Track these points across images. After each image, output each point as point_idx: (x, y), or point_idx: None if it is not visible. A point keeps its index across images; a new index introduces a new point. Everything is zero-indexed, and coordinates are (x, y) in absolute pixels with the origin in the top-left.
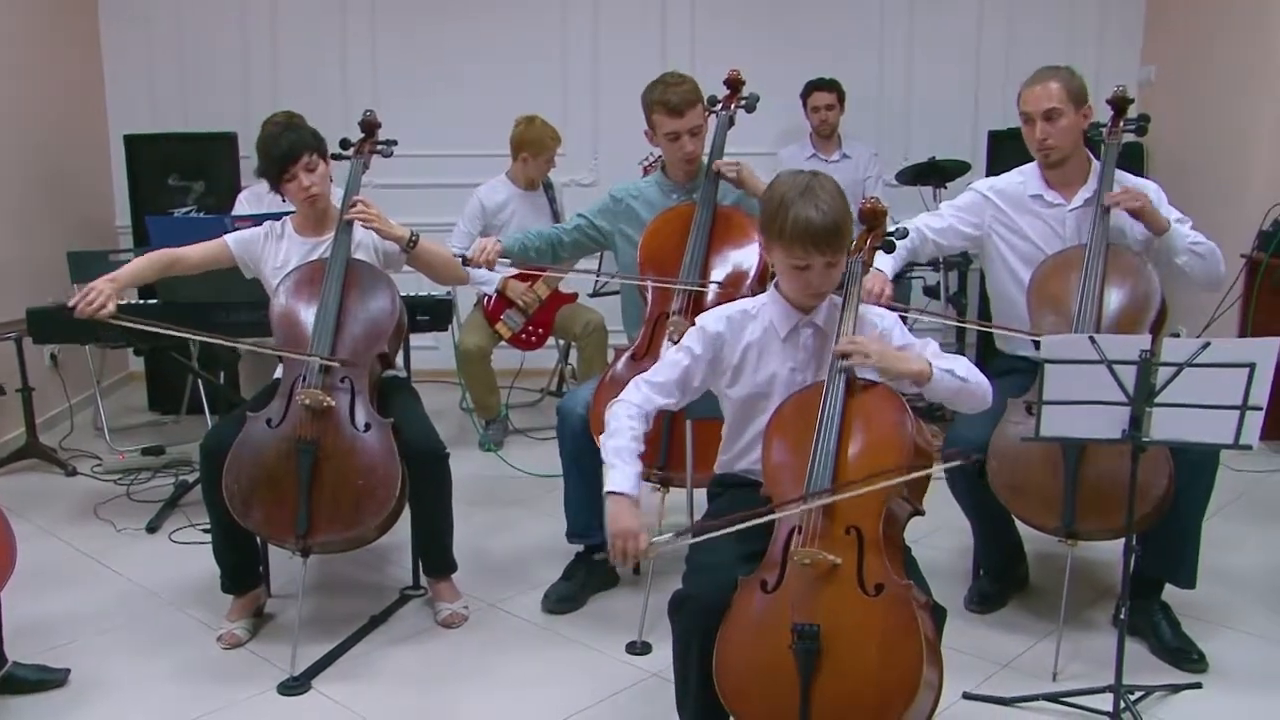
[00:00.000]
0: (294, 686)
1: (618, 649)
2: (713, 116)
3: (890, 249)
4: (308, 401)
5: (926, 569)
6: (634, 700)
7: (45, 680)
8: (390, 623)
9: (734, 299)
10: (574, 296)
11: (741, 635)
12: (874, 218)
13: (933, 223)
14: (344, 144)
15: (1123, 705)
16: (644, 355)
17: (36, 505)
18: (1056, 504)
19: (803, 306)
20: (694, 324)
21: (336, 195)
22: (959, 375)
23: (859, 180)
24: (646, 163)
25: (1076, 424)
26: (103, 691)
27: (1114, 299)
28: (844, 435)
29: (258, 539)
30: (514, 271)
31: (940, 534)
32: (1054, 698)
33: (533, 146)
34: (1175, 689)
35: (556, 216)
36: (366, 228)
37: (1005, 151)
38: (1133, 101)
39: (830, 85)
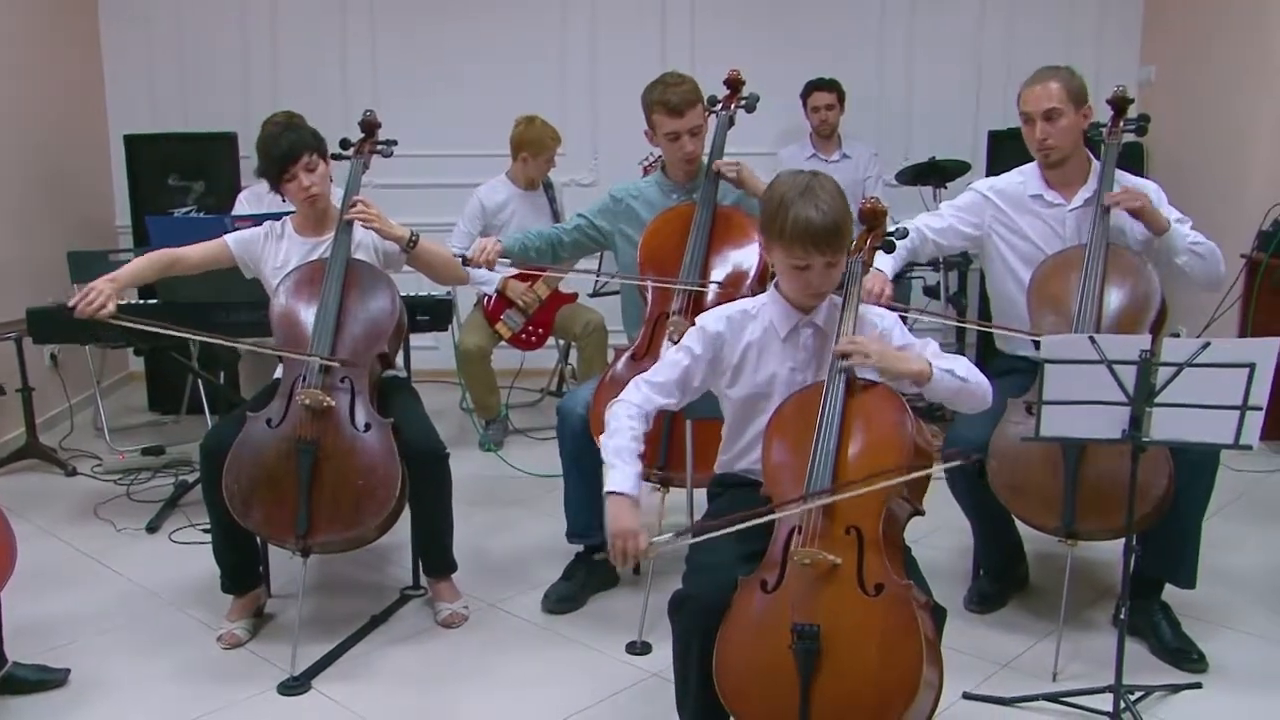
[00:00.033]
0: (294, 686)
1: (618, 649)
2: (713, 116)
3: (890, 249)
4: (308, 401)
5: (926, 569)
6: (634, 700)
7: (45, 680)
8: (390, 623)
9: (734, 299)
10: (574, 296)
11: (741, 635)
12: (874, 218)
13: (933, 223)
14: (344, 144)
15: (1122, 705)
16: (644, 355)
17: (36, 505)
18: (1056, 504)
19: (803, 306)
20: (694, 324)
21: (336, 195)
22: (959, 375)
23: (859, 180)
24: (646, 163)
25: (1076, 424)
26: (103, 692)
27: (1114, 299)
28: (844, 435)
29: (258, 539)
30: (514, 271)
31: (940, 534)
32: (1054, 698)
33: (532, 146)
34: (1175, 689)
35: (556, 216)
36: (366, 228)
37: (1005, 151)
38: (1132, 101)
39: (830, 85)
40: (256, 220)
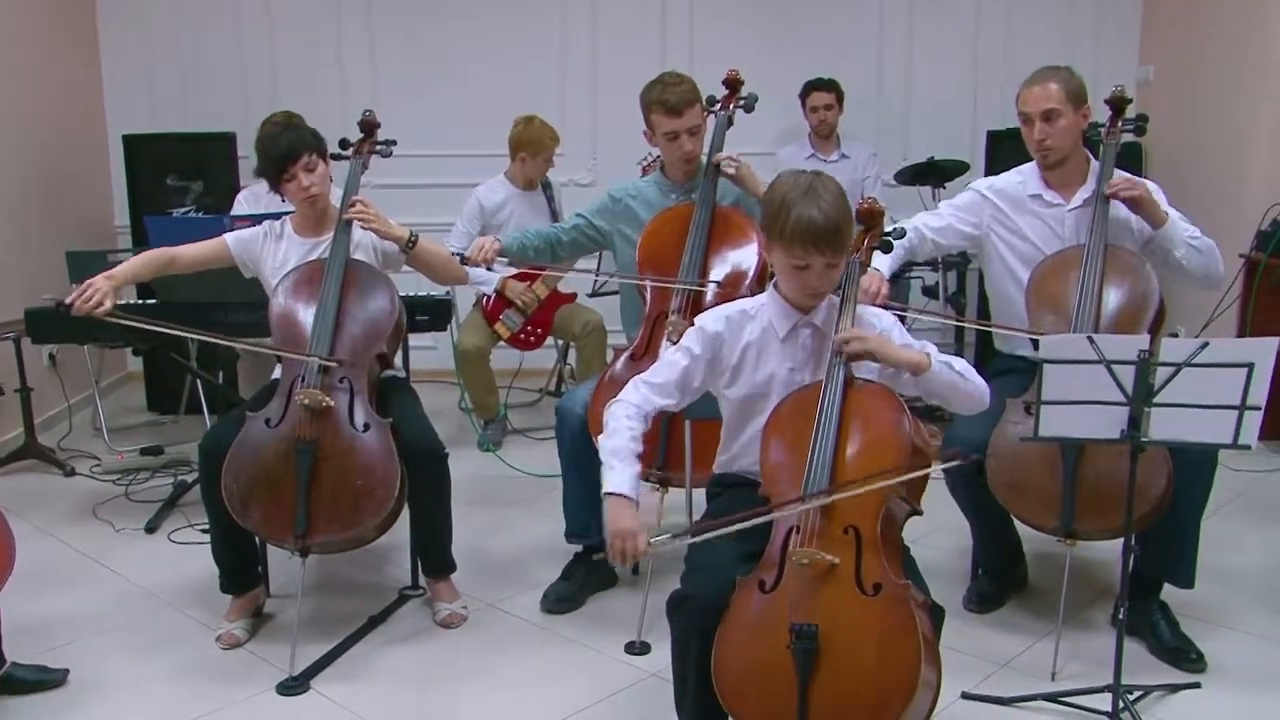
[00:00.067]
0: (293, 687)
1: (616, 649)
2: (711, 116)
3: (888, 249)
4: (307, 401)
5: (925, 569)
6: (632, 700)
7: (44, 680)
8: (389, 623)
9: (733, 299)
10: (573, 296)
11: (740, 635)
12: (871, 218)
13: (931, 222)
14: (343, 144)
15: (1121, 705)
16: (643, 355)
17: (35, 505)
18: (1055, 504)
19: (801, 306)
20: (693, 324)
21: (335, 195)
22: (956, 370)
23: (858, 180)
24: (645, 162)
25: (1075, 424)
26: (101, 692)
27: (1112, 298)
28: (842, 435)
29: (256, 539)
30: (513, 271)
31: (939, 534)
32: (1053, 697)
33: (531, 146)
34: (1174, 689)
35: (555, 216)
36: (365, 228)
37: (1004, 151)
38: (1131, 101)
39: (829, 85)
40: (255, 220)
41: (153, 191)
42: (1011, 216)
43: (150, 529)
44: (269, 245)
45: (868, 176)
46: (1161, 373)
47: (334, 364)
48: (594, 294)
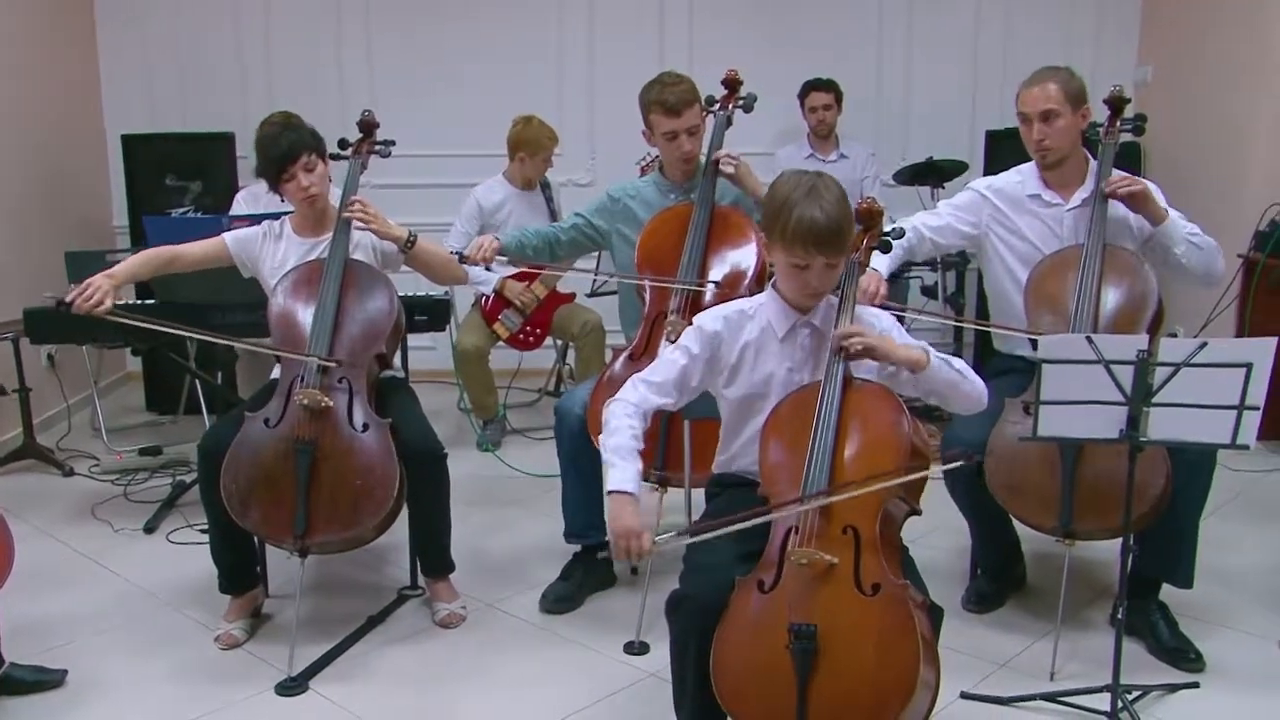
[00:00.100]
0: (292, 687)
1: (615, 649)
2: (710, 116)
3: (887, 249)
4: (306, 401)
5: (924, 569)
6: (631, 700)
7: (43, 681)
8: (388, 623)
9: (731, 299)
10: (572, 296)
11: (738, 635)
12: (870, 218)
13: (930, 221)
14: (342, 144)
15: (1120, 705)
16: (642, 355)
17: (34, 506)
18: (1054, 504)
19: (800, 306)
20: (691, 324)
21: (334, 195)
22: (955, 368)
23: (856, 180)
24: (643, 162)
25: (1074, 424)
26: (100, 692)
27: (1111, 298)
28: (841, 435)
29: (255, 539)
30: (512, 271)
31: (938, 534)
32: (1051, 697)
33: (529, 146)
34: (1173, 688)
35: (554, 216)
36: (364, 228)
37: (1003, 151)
38: (1129, 101)
39: (828, 85)
40: (254, 220)
41: (151, 191)
42: (1010, 216)
43: (149, 529)
44: (268, 245)
45: (866, 176)
46: (1160, 373)
47: (333, 364)
48: (593, 294)
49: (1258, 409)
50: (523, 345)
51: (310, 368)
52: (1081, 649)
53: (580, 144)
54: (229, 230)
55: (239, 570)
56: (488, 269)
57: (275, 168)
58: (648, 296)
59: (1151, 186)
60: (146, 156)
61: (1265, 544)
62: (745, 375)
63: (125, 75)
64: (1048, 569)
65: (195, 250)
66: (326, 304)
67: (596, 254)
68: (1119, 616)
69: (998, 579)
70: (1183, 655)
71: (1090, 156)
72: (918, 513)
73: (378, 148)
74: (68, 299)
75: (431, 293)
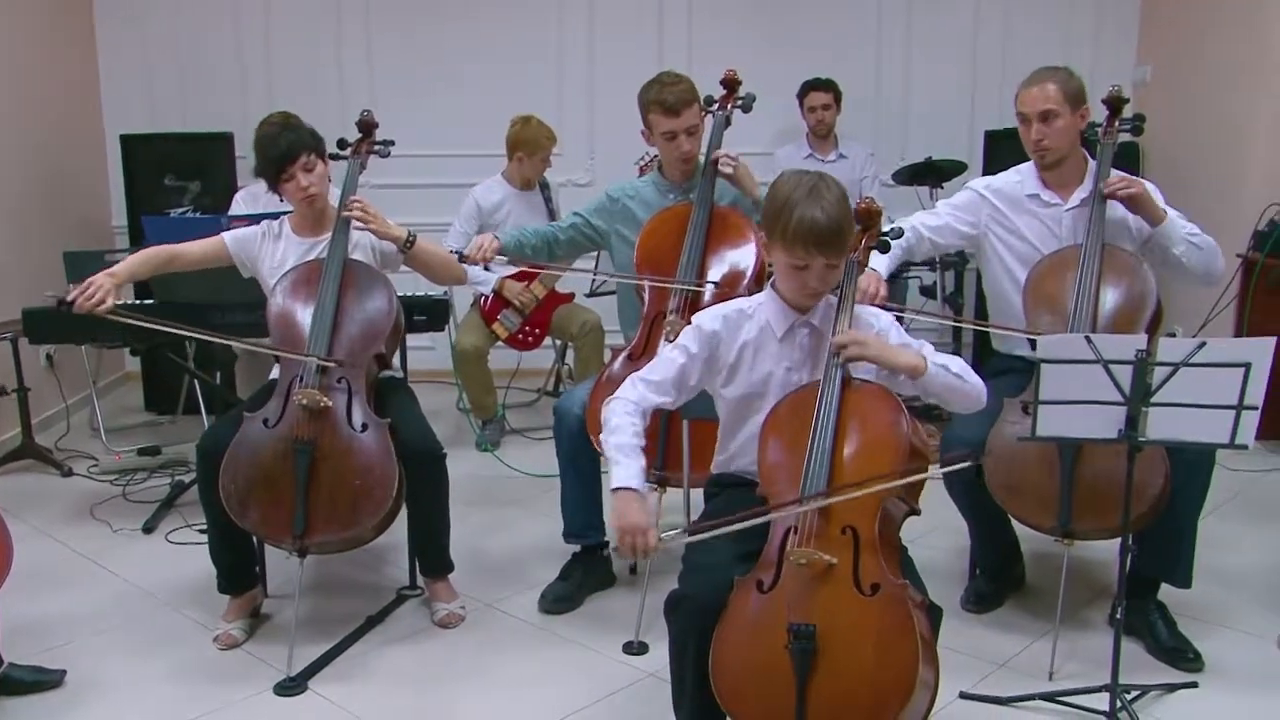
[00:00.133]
0: (290, 687)
1: (614, 649)
2: (709, 116)
3: (885, 249)
4: (305, 402)
5: (923, 568)
6: (630, 700)
7: (41, 681)
8: (387, 623)
9: (730, 299)
10: (571, 296)
11: (737, 635)
12: (869, 218)
13: (929, 221)
14: (341, 144)
15: (1119, 704)
16: (641, 355)
17: (32, 506)
18: (1053, 504)
19: (799, 306)
20: (690, 323)
21: (334, 195)
22: (953, 371)
23: (855, 180)
24: (642, 162)
25: (1073, 424)
26: (99, 692)
27: (1110, 298)
28: (840, 435)
29: (254, 539)
30: (510, 271)
31: (937, 534)
32: (1050, 697)
33: (528, 146)
34: (1171, 688)
35: (552, 216)
36: (364, 228)
37: (1002, 151)
38: (1128, 101)
39: (827, 85)
40: (253, 220)
41: (150, 191)
42: (1009, 216)
43: (148, 529)
44: (267, 245)
45: (865, 176)
46: (1159, 372)
47: (332, 364)
48: (592, 294)
49: (1256, 409)
50: (522, 345)
51: (309, 368)
52: (1080, 649)
53: (579, 144)
54: (228, 230)
55: (238, 570)
56: (486, 269)
57: (274, 168)
58: (646, 296)
59: (1150, 187)
60: (145, 156)
61: (1264, 544)
62: (743, 375)
63: (124, 75)
64: (1046, 569)
65: (194, 250)
66: (325, 304)
67: (595, 254)
68: (1118, 616)
69: (997, 579)
70: (1181, 655)
71: (1089, 156)
72: (917, 513)
73: (377, 148)
74: (69, 298)
75: (430, 293)
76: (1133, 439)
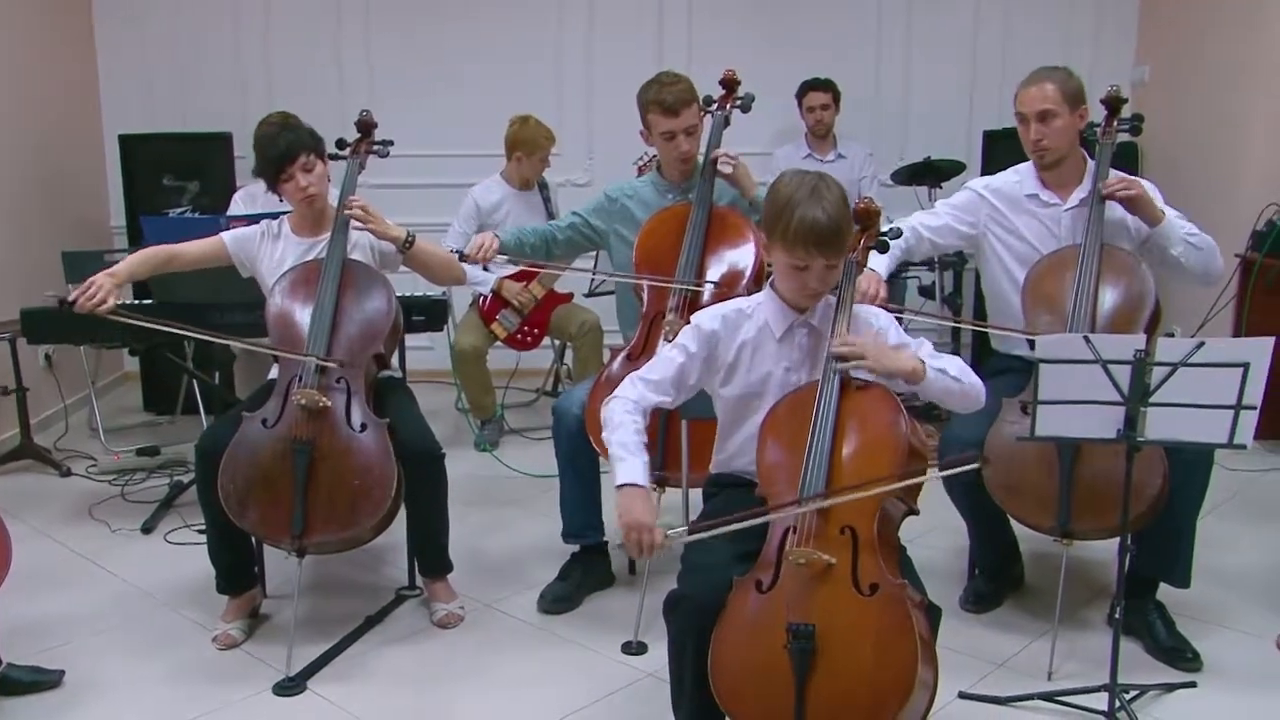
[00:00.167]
0: (289, 687)
1: (613, 649)
2: (708, 116)
3: (884, 249)
4: (303, 402)
5: (922, 568)
6: (629, 700)
7: (40, 681)
8: (386, 623)
9: (729, 299)
10: (569, 296)
11: (736, 635)
12: (867, 218)
13: (928, 221)
14: (340, 144)
15: (1118, 704)
16: (639, 355)
17: (31, 506)
18: (1052, 503)
19: (798, 306)
20: (689, 323)
21: (333, 195)
22: (952, 375)
23: (854, 180)
24: (641, 162)
25: (1071, 423)
26: (97, 693)
27: (1109, 298)
28: (838, 435)
29: (253, 539)
30: (509, 271)
31: (936, 534)
32: (1049, 697)
33: (526, 146)
34: (1170, 688)
35: (551, 216)
36: (363, 228)
37: (1000, 151)
38: (1126, 101)
39: (825, 85)
40: (252, 220)
41: (149, 191)
42: (1008, 216)
43: (146, 529)
44: (266, 244)
45: (864, 176)
46: (1157, 372)
47: (331, 364)
48: (590, 294)
49: (1255, 408)
50: (520, 345)
51: (308, 368)
52: (1079, 648)
53: (578, 144)
54: (227, 230)
55: (237, 570)
56: (485, 269)
57: (274, 168)
58: (645, 296)
59: (1149, 187)
60: (144, 156)
61: (1262, 543)
62: (742, 375)
63: (123, 75)
64: (1045, 569)
65: (194, 249)
66: (324, 304)
67: (594, 254)
68: (1116, 616)
69: (996, 579)
70: (1180, 655)
71: (1088, 156)
72: (915, 512)
73: (376, 148)
74: (70, 298)
75: (429, 293)
76: (1131, 439)
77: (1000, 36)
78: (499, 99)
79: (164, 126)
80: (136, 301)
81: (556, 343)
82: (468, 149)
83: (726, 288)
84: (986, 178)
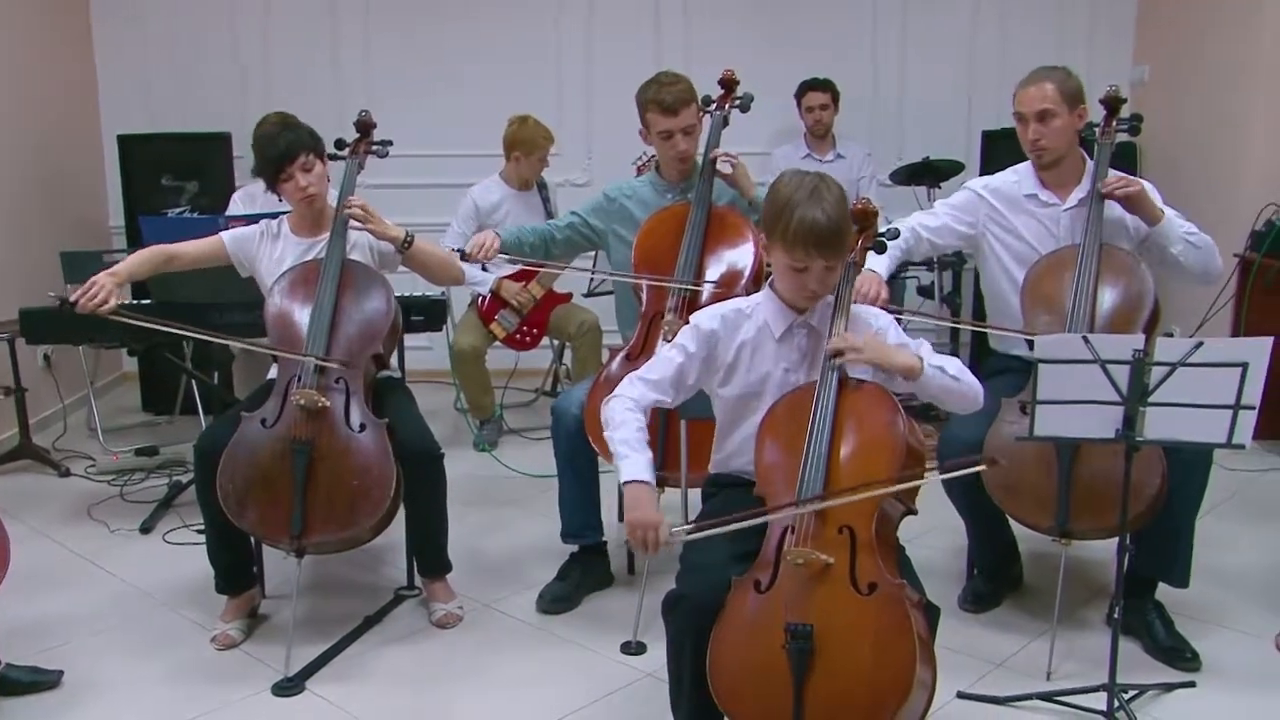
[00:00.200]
0: (288, 687)
1: (612, 649)
2: (707, 116)
3: (882, 249)
4: (303, 402)
5: (921, 568)
6: (628, 700)
7: (39, 682)
8: (385, 623)
9: (728, 298)
10: (568, 296)
11: (735, 635)
12: (865, 218)
13: (928, 221)
14: (339, 144)
15: (1117, 704)
16: (639, 355)
17: (30, 506)
18: (1050, 503)
19: (797, 307)
20: (689, 323)
21: (332, 196)
22: (950, 374)
23: (853, 180)
24: (640, 162)
25: (1070, 423)
26: (96, 693)
27: (1108, 298)
28: (836, 436)
29: (252, 539)
30: (508, 271)
31: (934, 533)
32: (1048, 697)
33: (525, 146)
34: (1169, 688)
35: (550, 216)
36: (362, 228)
37: (999, 151)
38: (1125, 101)
39: (824, 85)
40: (250, 220)
41: (148, 192)
42: (1007, 216)
43: (145, 530)
44: (265, 244)
45: (863, 177)
46: (1156, 372)
47: (330, 364)
48: (589, 294)
49: (1253, 408)
50: (519, 345)
51: (307, 368)
52: (1078, 648)
53: (577, 144)
54: (226, 230)
55: (235, 570)
56: (484, 269)
57: (273, 168)
58: (644, 296)
59: (1148, 186)
60: (143, 156)
61: (1261, 543)
62: (741, 375)
63: (122, 75)
64: (1044, 568)
65: (193, 249)
66: (323, 304)
67: (593, 254)
68: (1115, 616)
69: (994, 578)
70: (1179, 654)
71: (1086, 156)
72: (914, 512)
73: (375, 148)
74: (72, 299)
75: (428, 293)
76: (1130, 439)
77: (998, 37)
78: (498, 99)
79: (163, 126)
80: (136, 301)
81: (555, 343)
82: (467, 149)
83: (725, 288)
84: (985, 178)
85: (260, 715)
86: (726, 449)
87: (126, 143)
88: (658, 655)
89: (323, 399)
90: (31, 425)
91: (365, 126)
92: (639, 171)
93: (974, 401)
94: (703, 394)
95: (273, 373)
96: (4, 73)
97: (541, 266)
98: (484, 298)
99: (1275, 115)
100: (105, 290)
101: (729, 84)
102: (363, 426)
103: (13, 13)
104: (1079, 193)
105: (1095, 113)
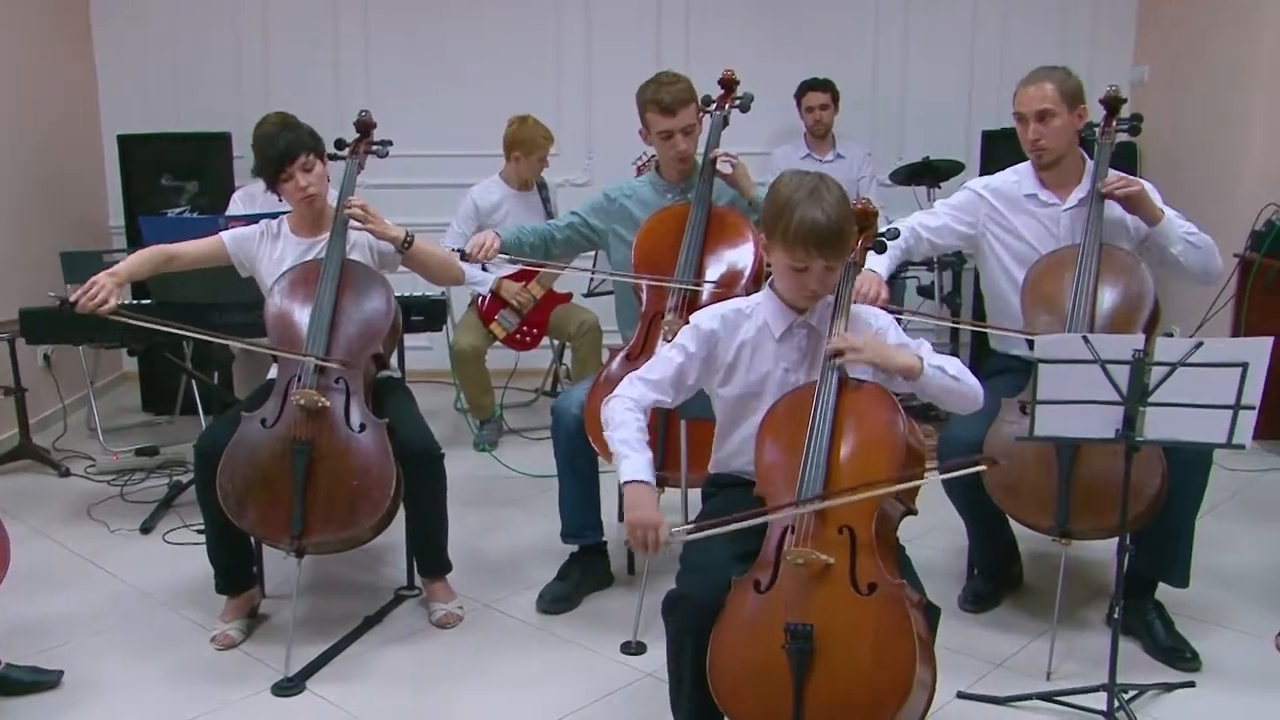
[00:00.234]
0: (288, 687)
1: (612, 649)
2: (707, 116)
3: (881, 250)
4: (302, 402)
5: (921, 568)
6: (628, 700)
7: (39, 682)
8: (385, 623)
9: (728, 298)
10: (568, 296)
11: (735, 635)
12: (864, 219)
13: (928, 221)
14: (339, 144)
15: (1116, 704)
16: (639, 355)
17: (30, 506)
18: (1050, 503)
19: (797, 307)
20: (689, 323)
21: (332, 196)
22: (950, 373)
23: (853, 180)
24: (640, 162)
25: (1070, 423)
26: (96, 693)
27: (1108, 298)
28: (836, 436)
29: (252, 539)
30: (508, 271)
31: (934, 533)
32: (1048, 697)
33: (524, 146)
34: (1169, 688)
35: (550, 216)
36: (362, 228)
37: (999, 151)
38: (1125, 101)
39: (824, 85)
40: (250, 220)
41: (148, 192)
42: (1007, 216)
43: (145, 530)
44: (265, 244)
45: (863, 177)
46: (1156, 372)
47: (330, 364)
48: (589, 294)
49: (1253, 408)
50: (519, 345)
51: (307, 368)
52: (1078, 648)
53: (577, 144)
54: (226, 230)
55: (235, 570)
56: (484, 269)
57: (273, 167)
58: (644, 296)
59: (1148, 186)
60: (143, 156)
61: (1261, 543)
62: (741, 375)
63: (121, 75)
64: (1044, 568)
65: (193, 249)
66: (323, 304)
67: (593, 254)
68: (1115, 616)
69: (994, 578)
70: (1179, 654)
71: (1086, 156)
72: (914, 512)
73: (375, 148)
74: (72, 298)
75: (428, 293)
76: (1130, 439)
77: (998, 36)
78: (498, 99)
79: (163, 126)
80: (136, 301)
81: (555, 343)
82: (467, 149)
83: (725, 287)
84: (985, 178)
85: (260, 715)
86: (726, 449)
87: (126, 143)
88: (658, 655)
89: (323, 399)
90: (31, 425)
91: (365, 126)
92: (639, 171)
93: (974, 402)
94: (703, 394)
95: (273, 373)
96: (4, 73)
97: (541, 266)
98: (484, 298)
99: (1276, 115)
100: (105, 290)
101: (729, 84)
102: (363, 426)
103: (13, 13)
104: (1079, 193)
105: (1095, 113)
